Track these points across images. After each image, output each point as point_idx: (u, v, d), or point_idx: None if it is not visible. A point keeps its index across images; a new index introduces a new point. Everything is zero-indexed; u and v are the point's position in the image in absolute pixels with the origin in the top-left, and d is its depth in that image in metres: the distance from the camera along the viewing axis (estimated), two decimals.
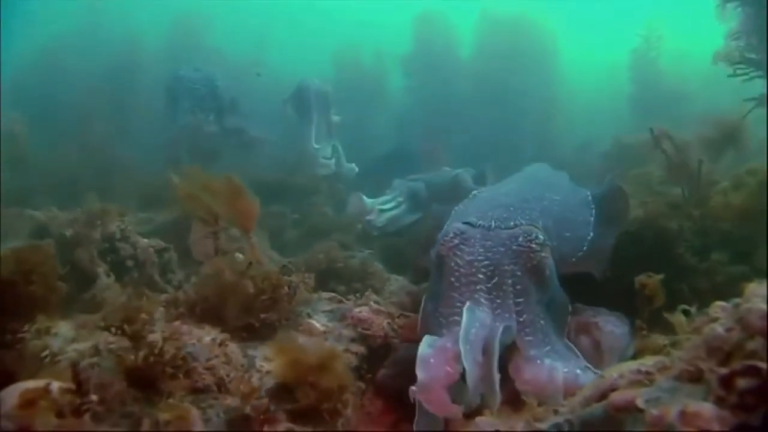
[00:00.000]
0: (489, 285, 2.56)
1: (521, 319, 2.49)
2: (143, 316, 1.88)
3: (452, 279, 2.61)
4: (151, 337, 1.95)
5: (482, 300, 2.50)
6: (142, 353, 1.92)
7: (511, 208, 3.00)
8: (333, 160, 7.64)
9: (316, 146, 7.50)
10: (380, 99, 13.49)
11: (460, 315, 2.40)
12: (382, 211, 5.78)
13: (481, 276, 2.58)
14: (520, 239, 2.70)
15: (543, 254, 2.67)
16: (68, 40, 12.67)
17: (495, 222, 2.84)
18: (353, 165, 7.93)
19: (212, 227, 2.65)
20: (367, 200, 5.79)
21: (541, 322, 2.56)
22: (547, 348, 2.48)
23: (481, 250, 2.68)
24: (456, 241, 2.72)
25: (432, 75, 12.67)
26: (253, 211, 2.82)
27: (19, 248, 2.25)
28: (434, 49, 13.14)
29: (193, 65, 8.19)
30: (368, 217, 5.64)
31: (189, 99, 7.44)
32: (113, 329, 1.89)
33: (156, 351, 1.92)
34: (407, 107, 12.89)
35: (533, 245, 2.67)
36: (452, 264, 2.66)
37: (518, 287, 2.58)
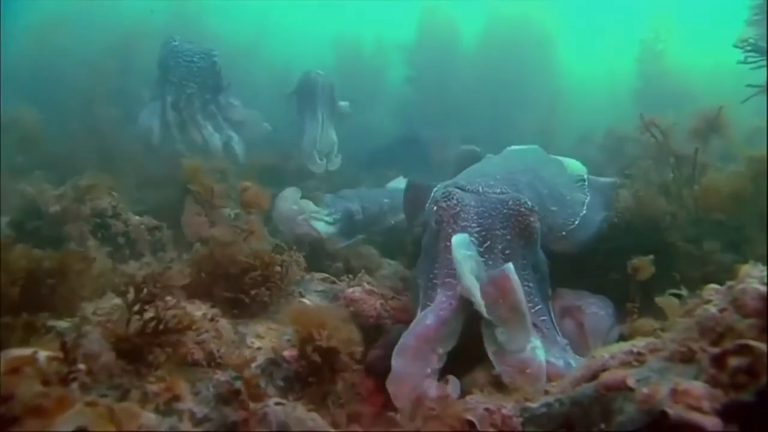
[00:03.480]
0: (481, 249, 2.62)
1: None
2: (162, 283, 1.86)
3: (448, 243, 2.63)
4: (150, 311, 1.93)
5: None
6: (137, 324, 1.90)
7: (497, 177, 3.07)
8: (325, 161, 7.35)
9: (314, 146, 7.21)
10: (382, 88, 13.38)
11: (454, 275, 2.45)
12: (327, 223, 5.03)
13: (473, 240, 2.64)
14: (510, 203, 2.78)
15: (531, 218, 2.75)
16: (64, 22, 12.46)
17: (482, 187, 2.90)
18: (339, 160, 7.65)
19: (208, 202, 2.63)
20: (303, 203, 5.00)
21: (530, 284, 2.63)
22: (538, 307, 2.56)
23: (474, 216, 2.74)
24: (457, 209, 2.75)
25: (434, 67, 12.60)
26: (263, 200, 2.80)
27: (65, 251, 2.28)
28: (438, 41, 13.05)
29: (186, 38, 7.27)
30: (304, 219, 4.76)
31: (181, 74, 6.63)
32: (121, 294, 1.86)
33: (162, 315, 1.90)
34: (409, 97, 12.82)
35: (522, 209, 2.75)
36: (449, 230, 2.69)
37: (507, 252, 2.65)
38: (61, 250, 2.24)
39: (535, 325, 2.46)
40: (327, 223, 5.05)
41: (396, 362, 2.28)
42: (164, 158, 5.85)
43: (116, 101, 8.67)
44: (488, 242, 2.65)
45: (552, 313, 2.65)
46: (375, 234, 5.35)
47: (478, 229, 2.69)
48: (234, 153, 6.60)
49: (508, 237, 2.69)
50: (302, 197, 5.37)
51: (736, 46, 3.98)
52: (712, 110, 3.89)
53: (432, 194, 3.05)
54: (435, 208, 2.81)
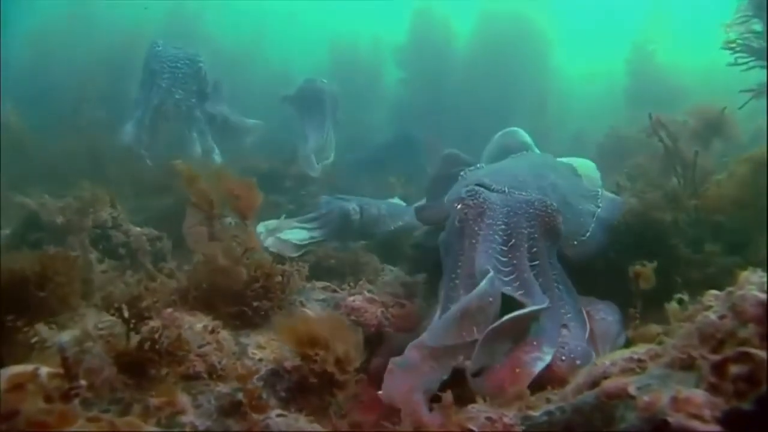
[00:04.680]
0: (505, 248, 2.60)
1: (539, 281, 2.55)
2: (150, 300, 1.86)
3: (473, 241, 2.63)
4: (149, 323, 1.93)
5: (499, 266, 2.51)
6: (137, 339, 1.90)
7: (520, 179, 3.07)
8: (320, 167, 7.34)
9: (315, 153, 7.21)
10: (376, 89, 13.44)
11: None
12: (308, 229, 4.77)
13: (497, 238, 2.62)
14: (536, 203, 2.78)
15: (557, 220, 2.76)
16: (59, 27, 12.53)
17: (508, 187, 2.90)
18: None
19: (207, 213, 2.62)
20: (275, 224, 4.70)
21: (559, 286, 2.63)
22: (569, 315, 2.57)
23: (500, 215, 2.71)
24: (484, 207, 2.73)
25: (427, 67, 12.67)
26: (254, 199, 2.79)
27: (47, 254, 2.27)
28: (430, 41, 13.14)
29: (172, 42, 7.11)
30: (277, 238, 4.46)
31: (168, 79, 6.48)
32: (114, 311, 1.87)
33: (156, 336, 1.90)
34: (403, 98, 12.86)
35: (549, 210, 2.77)
36: (476, 228, 2.68)
37: (534, 250, 2.65)
38: (40, 255, 2.22)
39: (565, 326, 2.49)
40: (307, 228, 4.82)
41: (411, 353, 2.25)
42: (157, 166, 5.82)
43: (114, 107, 8.70)
44: (513, 240, 2.63)
45: (582, 313, 2.65)
46: (375, 238, 5.30)
47: (503, 227, 2.67)
48: (213, 164, 6.48)
49: (535, 236, 2.68)
50: (299, 208, 5.25)
51: (723, 48, 3.98)
52: (713, 110, 3.88)
53: (450, 193, 3.01)
54: (459, 206, 2.78)
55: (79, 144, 7.09)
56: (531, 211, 2.75)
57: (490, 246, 2.59)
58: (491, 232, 2.65)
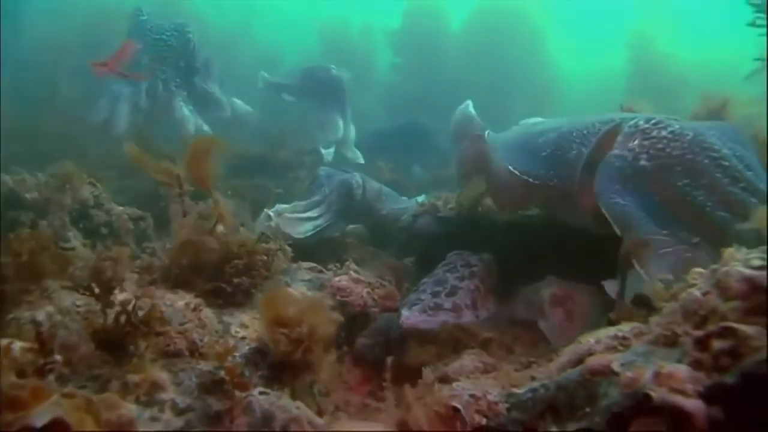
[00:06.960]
0: (750, 171, 2.31)
1: None
2: (111, 271, 1.81)
3: (718, 175, 2.23)
4: (122, 296, 1.89)
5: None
6: (112, 313, 1.85)
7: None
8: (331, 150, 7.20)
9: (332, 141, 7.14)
10: (367, 75, 13.30)
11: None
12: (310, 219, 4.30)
13: (737, 163, 2.29)
14: (729, 126, 2.55)
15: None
16: (43, 5, 12.20)
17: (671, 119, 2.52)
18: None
19: (176, 189, 2.54)
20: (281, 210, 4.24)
21: None
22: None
23: (720, 142, 2.30)
24: (689, 135, 2.27)
25: (421, 53, 12.57)
26: (205, 168, 2.64)
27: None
28: (424, 26, 13.02)
29: (160, 15, 6.48)
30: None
31: (151, 53, 5.83)
32: (81, 289, 1.82)
33: (129, 308, 1.85)
34: (395, 84, 12.76)
35: (738, 127, 2.59)
36: (698, 158, 2.26)
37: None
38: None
39: None
40: (312, 218, 4.34)
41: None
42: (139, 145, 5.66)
43: (92, 85, 8.48)
44: (751, 171, 2.32)
45: None
46: (374, 216, 4.86)
47: (729, 152, 2.27)
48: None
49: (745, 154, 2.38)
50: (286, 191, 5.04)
51: (749, 3, 3.73)
52: (716, 100, 3.79)
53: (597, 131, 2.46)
54: (637, 141, 2.30)
55: (58, 123, 6.91)
56: (731, 132, 2.43)
57: (747, 169, 2.25)
58: (732, 159, 2.24)
